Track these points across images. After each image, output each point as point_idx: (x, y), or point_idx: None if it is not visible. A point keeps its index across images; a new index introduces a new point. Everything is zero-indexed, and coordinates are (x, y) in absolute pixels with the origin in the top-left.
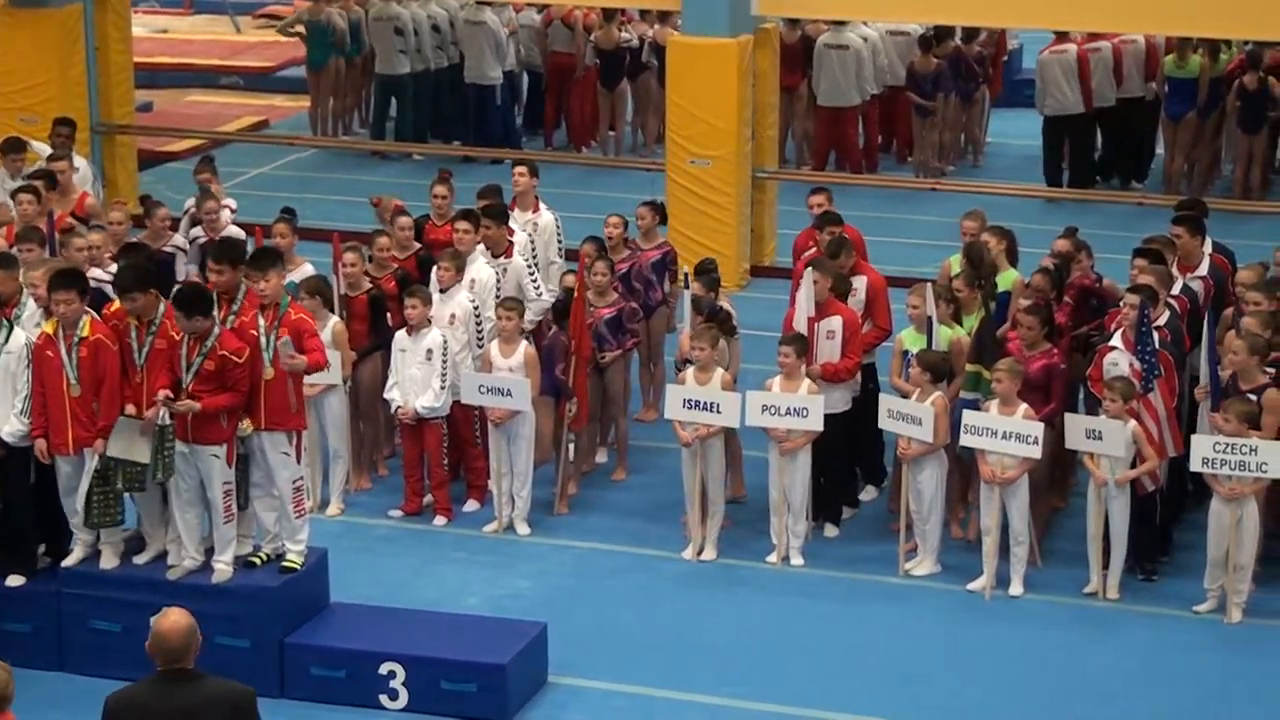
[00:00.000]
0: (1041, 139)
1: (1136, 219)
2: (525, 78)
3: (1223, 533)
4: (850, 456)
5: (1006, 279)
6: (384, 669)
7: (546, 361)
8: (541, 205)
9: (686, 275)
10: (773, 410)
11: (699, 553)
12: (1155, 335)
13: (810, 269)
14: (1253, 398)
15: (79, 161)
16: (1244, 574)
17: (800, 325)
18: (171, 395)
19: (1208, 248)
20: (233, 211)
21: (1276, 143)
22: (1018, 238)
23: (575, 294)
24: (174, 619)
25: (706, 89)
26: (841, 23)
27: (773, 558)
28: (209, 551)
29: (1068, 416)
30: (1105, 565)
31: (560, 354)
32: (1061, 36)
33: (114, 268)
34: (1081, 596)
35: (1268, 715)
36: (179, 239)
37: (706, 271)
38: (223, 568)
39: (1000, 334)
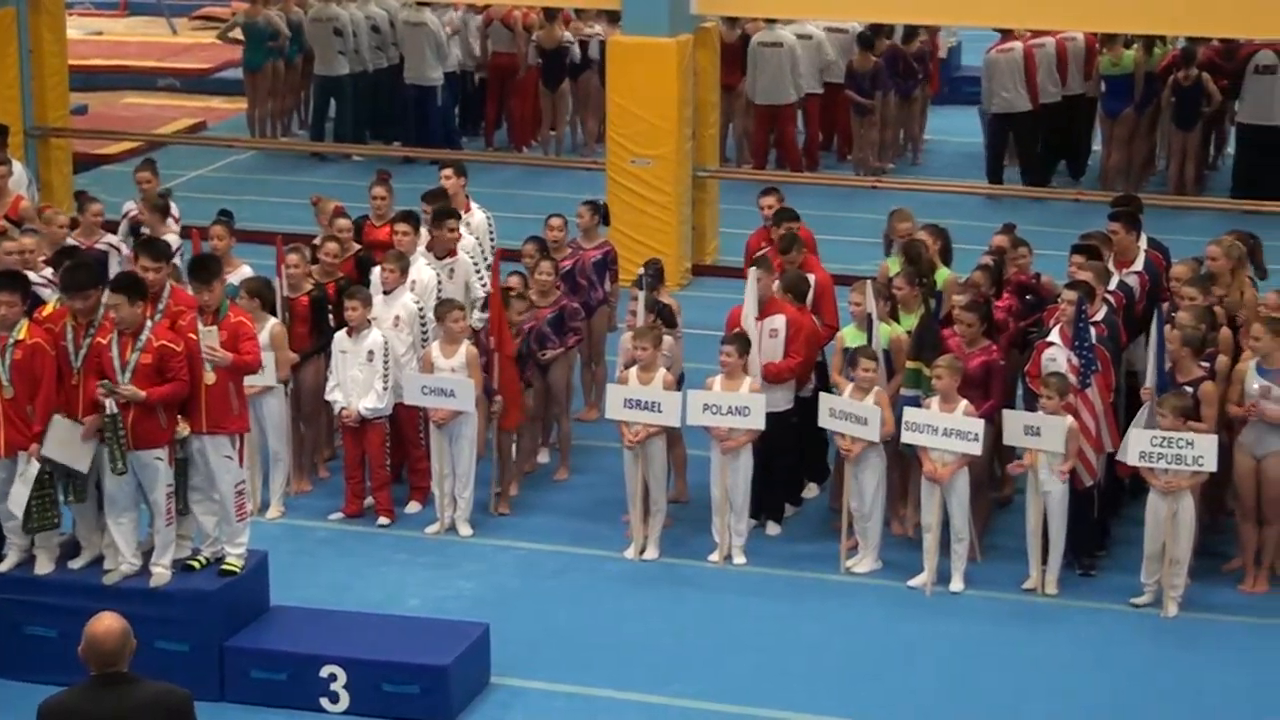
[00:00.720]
0: (985, 137)
1: (1074, 215)
2: (475, 78)
3: (1159, 527)
4: (793, 455)
5: (940, 277)
6: (325, 671)
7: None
8: (473, 205)
9: (641, 277)
10: (714, 409)
11: (641, 552)
12: (1092, 331)
13: (753, 268)
14: (1189, 390)
15: (14, 165)
16: (1180, 568)
17: (745, 325)
18: (113, 383)
19: (1143, 243)
20: (176, 220)
21: (1210, 139)
22: (955, 235)
23: (495, 294)
24: (107, 623)
25: (647, 88)
26: (774, 21)
27: (715, 556)
28: (146, 555)
29: (1006, 413)
30: (1044, 560)
31: (483, 352)
32: (1007, 34)
33: (48, 271)
34: (1021, 592)
35: (1203, 707)
36: (112, 237)
37: (652, 270)
38: (161, 571)
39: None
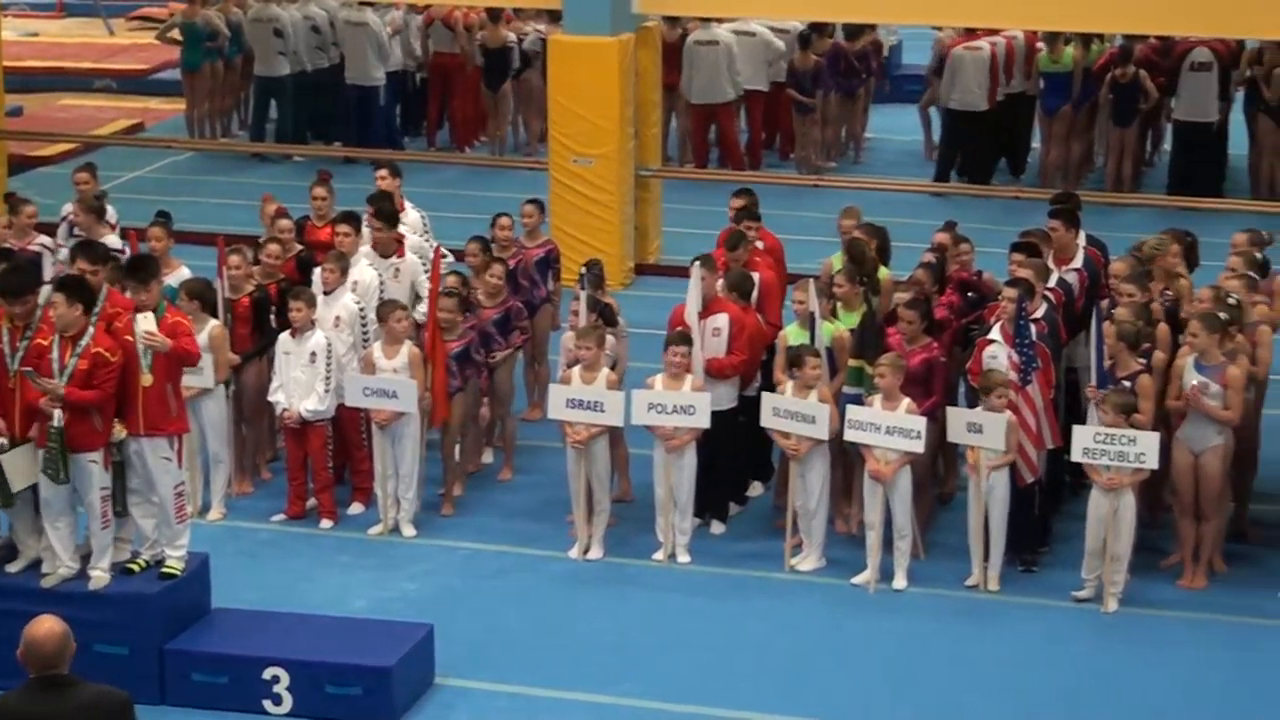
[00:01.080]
0: (941, 132)
1: (1015, 212)
2: (417, 78)
3: (1100, 523)
4: (737, 453)
5: (879, 276)
6: (267, 674)
7: None
8: (408, 204)
9: (583, 276)
10: (659, 408)
11: (585, 552)
12: (1033, 328)
13: (697, 265)
14: (1128, 385)
15: None
16: (1121, 564)
17: (690, 323)
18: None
19: (1082, 240)
20: (113, 227)
21: (1147, 136)
22: (897, 233)
23: (433, 292)
24: (47, 626)
25: (588, 88)
26: (710, 19)
27: (659, 555)
28: (85, 559)
29: (950, 411)
30: (986, 557)
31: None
32: (972, 32)
33: None
34: (963, 588)
35: (1141, 702)
36: (45, 239)
37: (594, 269)
38: (99, 575)
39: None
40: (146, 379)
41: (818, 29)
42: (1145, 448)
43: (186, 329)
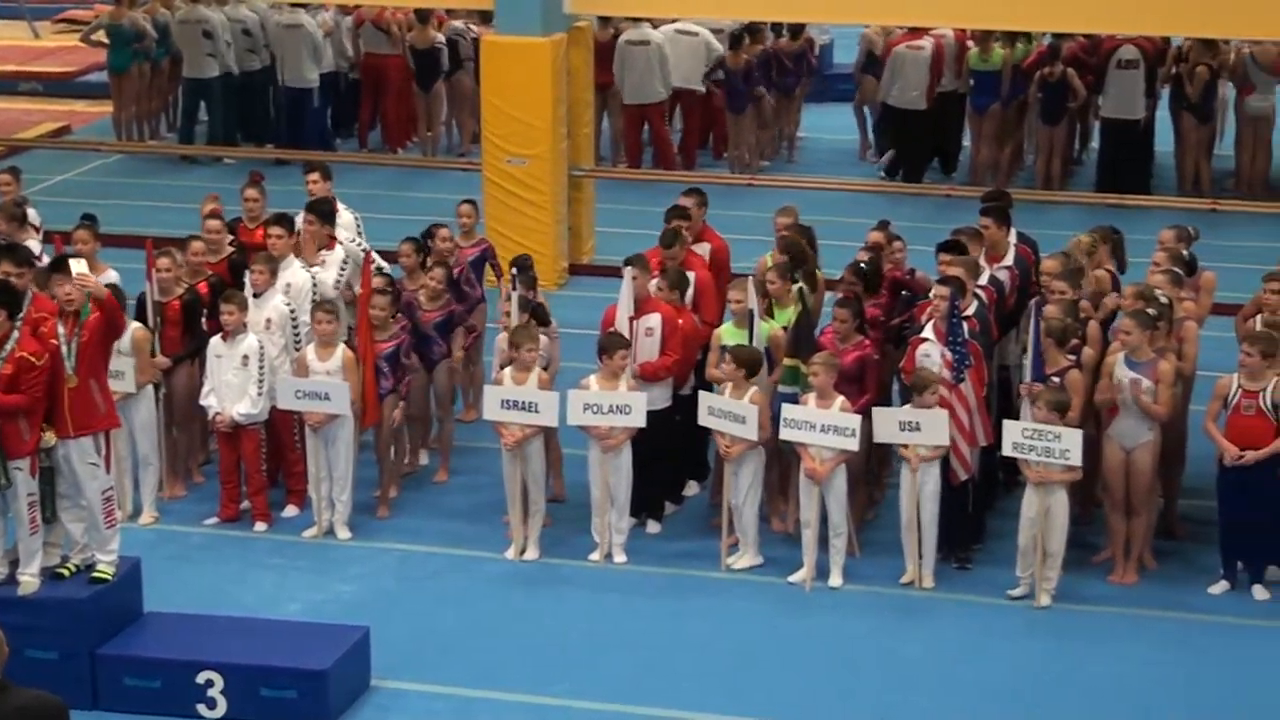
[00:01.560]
0: (880, 127)
1: (946, 210)
2: (348, 79)
3: (1033, 521)
4: (672, 453)
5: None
6: (201, 678)
7: None
8: (340, 206)
9: (515, 276)
10: (595, 409)
11: (521, 553)
12: (965, 326)
13: (629, 267)
14: (1057, 381)
15: None
16: (1054, 560)
17: (621, 324)
18: None
19: (1013, 238)
20: (37, 230)
21: (1075, 133)
22: (829, 232)
23: (364, 294)
24: None
25: (521, 88)
26: (639, 20)
27: (595, 555)
28: (14, 564)
29: (876, 411)
30: (920, 554)
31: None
32: (915, 31)
33: None
34: (899, 586)
35: (1075, 698)
36: None
37: (525, 269)
38: (29, 580)
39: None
40: (71, 380)
41: (752, 30)
42: (1070, 444)
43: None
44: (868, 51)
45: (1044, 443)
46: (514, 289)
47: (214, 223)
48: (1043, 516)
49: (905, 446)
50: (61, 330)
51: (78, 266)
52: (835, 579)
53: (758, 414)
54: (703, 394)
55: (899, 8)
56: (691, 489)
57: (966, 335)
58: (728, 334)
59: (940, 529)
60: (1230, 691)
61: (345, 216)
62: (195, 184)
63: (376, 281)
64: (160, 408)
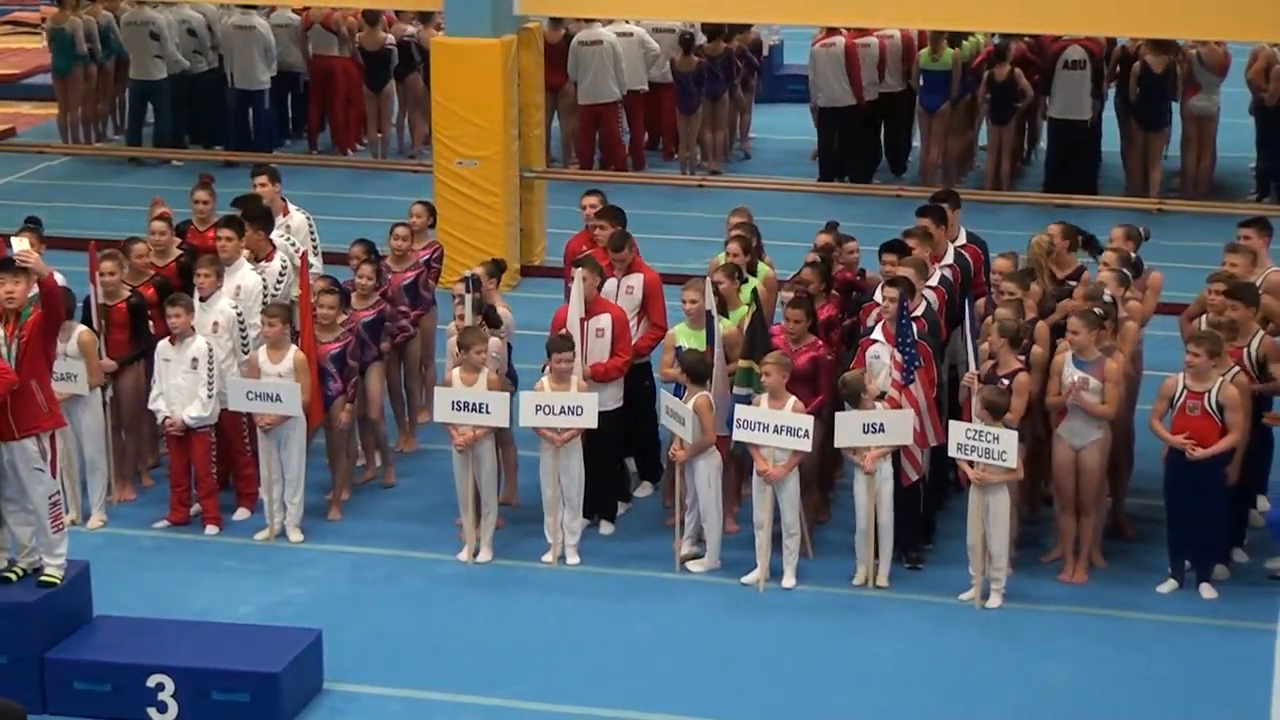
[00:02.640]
0: (816, 130)
1: (897, 210)
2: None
3: (978, 520)
4: (623, 453)
5: (760, 275)
6: (152, 681)
7: None
8: (291, 207)
9: (468, 280)
10: (547, 410)
11: (474, 554)
12: (914, 327)
13: (579, 268)
14: (1005, 383)
15: None
16: (999, 560)
17: (571, 325)
18: None
19: (962, 239)
20: None
21: (1024, 133)
22: (780, 232)
23: (304, 296)
24: None
25: (471, 89)
26: (592, 20)
27: (548, 557)
28: None
29: (839, 415)
30: (877, 555)
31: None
32: (832, 30)
33: None
34: (852, 586)
35: (1026, 697)
36: None
37: (477, 276)
38: None
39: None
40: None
41: (716, 31)
42: (1006, 446)
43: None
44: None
45: (984, 444)
46: (468, 291)
47: (159, 224)
48: (985, 515)
49: (855, 451)
50: (1, 331)
51: (19, 244)
52: (789, 580)
53: (695, 419)
54: (663, 394)
55: (845, 9)
56: (645, 490)
57: (915, 336)
58: (682, 334)
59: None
60: (1178, 690)
61: (297, 218)
62: (143, 186)
63: (322, 283)
64: (107, 411)
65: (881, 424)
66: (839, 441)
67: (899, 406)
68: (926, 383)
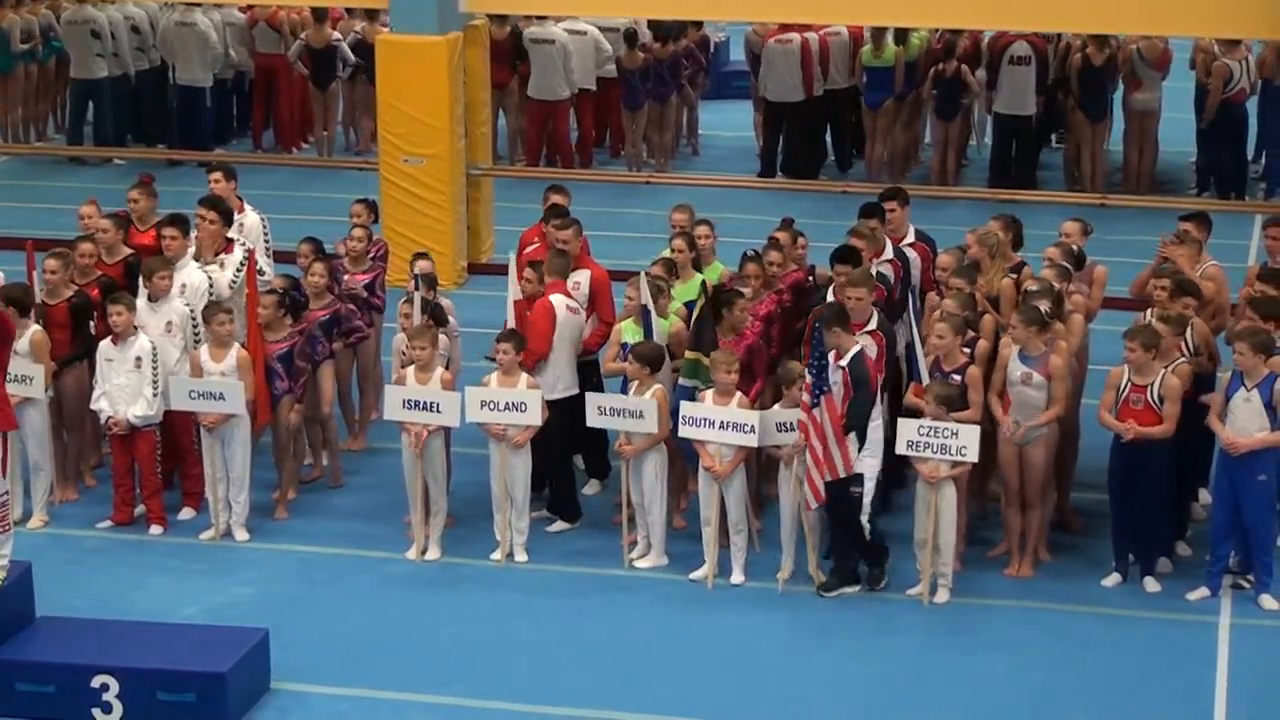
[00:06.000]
0: (763, 123)
1: (844, 206)
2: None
3: (926, 515)
4: (570, 449)
5: (713, 272)
6: (96, 682)
7: None
8: (246, 206)
9: (417, 278)
10: (491, 405)
11: (423, 553)
12: (830, 358)
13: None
14: (956, 379)
15: None
16: (946, 555)
17: (508, 307)
18: None
19: (910, 236)
20: None
21: (970, 129)
22: (729, 228)
23: (251, 295)
24: None
25: (417, 87)
26: (543, 17)
27: (497, 555)
28: None
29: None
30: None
31: None
32: (786, 26)
33: None
34: (801, 582)
35: (973, 691)
36: None
37: (429, 280)
38: None
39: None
40: None
41: (669, 31)
42: (966, 441)
43: (9, 330)
44: (752, 52)
45: (940, 440)
46: (415, 289)
47: (103, 222)
48: (932, 510)
49: (778, 447)
50: None
51: None
52: (737, 576)
53: (657, 409)
54: (590, 395)
55: (795, 5)
56: (593, 487)
57: (827, 359)
58: (628, 330)
59: (837, 545)
60: (1124, 682)
61: (251, 218)
62: (84, 185)
63: (277, 281)
64: (49, 411)
65: (791, 423)
66: (761, 440)
67: (804, 428)
68: (832, 410)
